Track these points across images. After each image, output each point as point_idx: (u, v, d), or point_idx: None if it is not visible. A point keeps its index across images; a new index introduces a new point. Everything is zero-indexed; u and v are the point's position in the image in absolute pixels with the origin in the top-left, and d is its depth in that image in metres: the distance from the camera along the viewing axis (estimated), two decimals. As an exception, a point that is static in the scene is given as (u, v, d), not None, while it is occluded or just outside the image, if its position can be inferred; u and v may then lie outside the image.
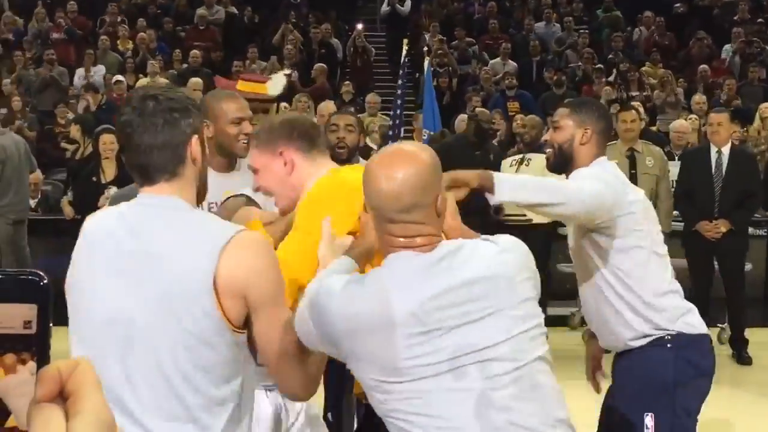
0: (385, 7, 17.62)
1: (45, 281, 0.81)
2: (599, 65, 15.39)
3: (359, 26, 17.10)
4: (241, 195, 3.43)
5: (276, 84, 5.59)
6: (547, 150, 3.81)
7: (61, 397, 0.76)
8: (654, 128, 12.36)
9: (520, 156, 8.84)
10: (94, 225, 2.37)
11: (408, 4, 17.47)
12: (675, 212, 8.28)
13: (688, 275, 7.99)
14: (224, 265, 2.19)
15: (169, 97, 2.32)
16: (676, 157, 9.51)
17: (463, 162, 9.10)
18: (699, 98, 12.99)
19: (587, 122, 3.63)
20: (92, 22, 17.18)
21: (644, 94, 14.31)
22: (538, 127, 9.35)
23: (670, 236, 8.13)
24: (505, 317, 2.28)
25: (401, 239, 2.31)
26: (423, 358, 2.23)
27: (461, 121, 10.90)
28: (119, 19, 16.83)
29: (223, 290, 2.20)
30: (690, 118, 11.51)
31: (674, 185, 8.36)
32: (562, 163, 3.68)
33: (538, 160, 8.71)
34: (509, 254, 2.36)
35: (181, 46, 16.02)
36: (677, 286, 3.68)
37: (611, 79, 15.03)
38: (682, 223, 8.15)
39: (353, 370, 2.34)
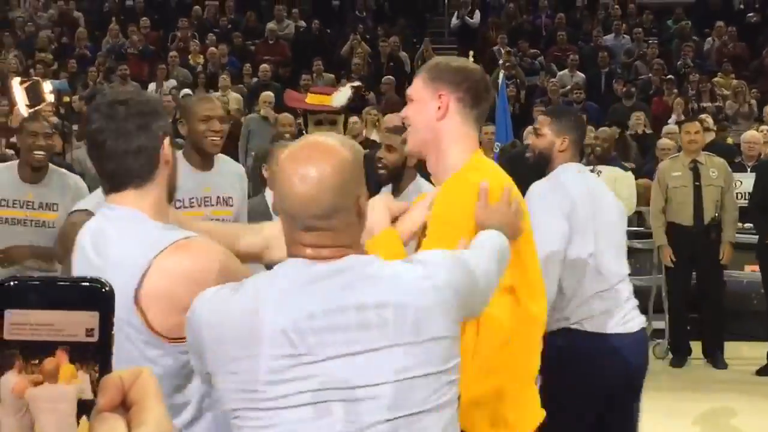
0: (455, 20, 17.59)
1: (107, 288, 0.78)
2: (669, 76, 15.18)
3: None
4: (84, 210, 3.45)
5: (341, 96, 5.62)
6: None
7: (123, 406, 0.75)
8: (730, 140, 12.15)
9: (590, 168, 8.74)
10: (79, 237, 2.33)
11: (477, 16, 17.43)
12: (748, 224, 8.15)
13: (762, 288, 7.86)
14: (150, 277, 2.11)
15: (138, 101, 2.27)
16: (749, 169, 9.34)
17: (534, 173, 9.06)
18: None
19: (565, 131, 4.01)
20: (164, 34, 17.42)
21: (716, 105, 14.08)
22: (610, 141, 9.26)
23: (739, 248, 8.00)
24: (400, 355, 1.90)
25: (309, 250, 1.96)
26: (285, 386, 1.89)
27: (530, 132, 10.79)
28: (190, 34, 17.05)
29: (148, 304, 2.11)
30: (762, 130, 11.30)
31: (746, 197, 8.20)
32: (542, 165, 4.06)
33: (608, 171, 8.63)
34: (433, 283, 1.97)
35: (251, 61, 16.15)
36: (617, 292, 3.84)
37: (683, 90, 14.82)
38: (756, 236, 8.00)
39: (217, 392, 2.01)
